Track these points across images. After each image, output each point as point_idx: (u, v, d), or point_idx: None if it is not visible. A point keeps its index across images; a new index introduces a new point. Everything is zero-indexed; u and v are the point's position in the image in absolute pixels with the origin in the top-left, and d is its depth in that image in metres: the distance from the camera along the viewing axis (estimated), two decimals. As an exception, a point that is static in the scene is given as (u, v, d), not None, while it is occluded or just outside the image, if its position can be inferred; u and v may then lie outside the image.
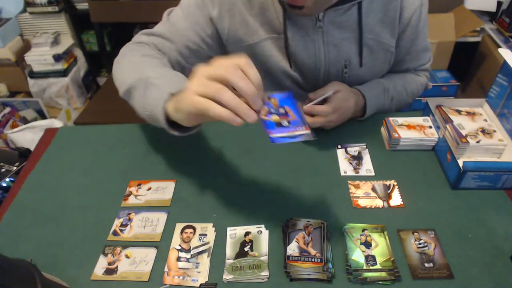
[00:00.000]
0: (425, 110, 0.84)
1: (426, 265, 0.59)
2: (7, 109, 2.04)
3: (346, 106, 0.81)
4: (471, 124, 0.79)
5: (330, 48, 0.82)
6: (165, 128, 0.59)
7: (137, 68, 0.70)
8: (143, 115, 0.65)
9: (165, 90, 0.59)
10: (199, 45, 0.82)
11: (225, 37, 0.83)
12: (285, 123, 0.53)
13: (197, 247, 0.64)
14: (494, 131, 0.77)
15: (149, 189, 0.75)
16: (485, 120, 0.81)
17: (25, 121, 2.08)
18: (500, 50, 0.82)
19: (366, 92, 0.85)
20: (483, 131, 0.77)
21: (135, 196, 0.73)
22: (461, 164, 0.68)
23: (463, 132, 0.76)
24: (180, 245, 0.64)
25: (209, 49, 0.84)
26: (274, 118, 0.53)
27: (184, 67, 0.82)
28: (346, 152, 0.80)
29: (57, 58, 2.14)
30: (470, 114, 0.82)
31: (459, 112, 0.83)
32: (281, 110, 0.55)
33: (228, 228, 0.66)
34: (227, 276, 0.59)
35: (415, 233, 0.63)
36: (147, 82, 0.63)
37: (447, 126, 0.76)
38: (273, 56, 0.84)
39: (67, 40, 2.24)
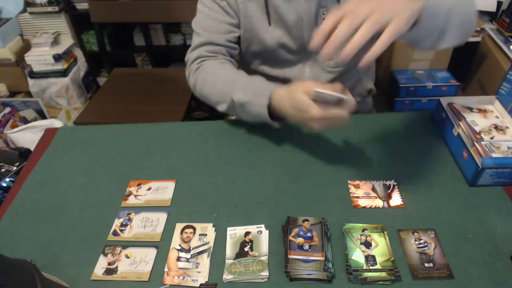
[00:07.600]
0: (437, 108, 0.84)
1: (426, 265, 0.59)
2: (7, 109, 2.04)
3: None
4: (483, 121, 0.79)
5: None
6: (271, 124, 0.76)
7: (221, 90, 0.82)
8: (248, 120, 0.81)
9: (261, 105, 0.74)
10: (228, 22, 0.88)
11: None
12: (306, 246, 0.61)
13: (197, 247, 0.64)
14: (507, 127, 0.77)
15: (149, 189, 0.75)
16: (497, 117, 0.80)
17: (25, 121, 2.08)
18: None
19: None
20: (496, 127, 0.77)
21: (135, 196, 0.73)
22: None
23: (477, 129, 0.76)
24: (180, 245, 0.64)
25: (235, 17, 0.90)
26: (299, 240, 0.62)
27: (235, 38, 0.91)
28: (346, 152, 0.80)
29: (57, 58, 2.14)
30: (482, 111, 0.82)
31: (471, 109, 0.83)
32: (309, 234, 0.63)
33: (228, 228, 0.66)
34: (227, 276, 0.59)
35: (415, 233, 0.63)
36: (241, 104, 0.77)
37: (461, 123, 0.76)
38: (254, 16, 0.86)
39: (67, 40, 2.24)
